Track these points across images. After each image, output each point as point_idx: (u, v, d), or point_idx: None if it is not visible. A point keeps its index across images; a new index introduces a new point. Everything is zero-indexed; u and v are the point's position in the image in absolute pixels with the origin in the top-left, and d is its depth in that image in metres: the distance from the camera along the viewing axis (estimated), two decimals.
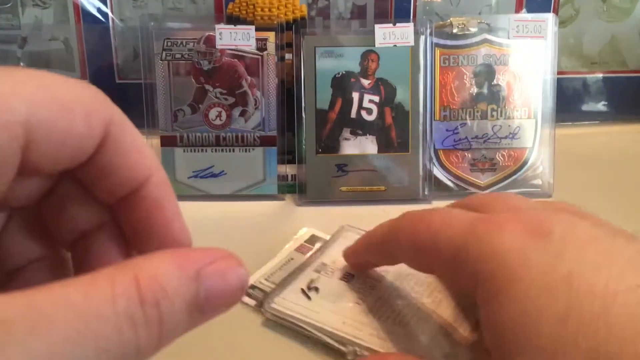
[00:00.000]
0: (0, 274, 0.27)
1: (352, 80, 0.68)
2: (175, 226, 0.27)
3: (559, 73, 0.72)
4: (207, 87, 0.68)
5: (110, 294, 0.21)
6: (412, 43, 0.68)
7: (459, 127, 0.69)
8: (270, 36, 0.68)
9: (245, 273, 0.24)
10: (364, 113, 0.68)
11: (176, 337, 0.22)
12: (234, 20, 0.72)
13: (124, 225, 0.27)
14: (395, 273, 0.44)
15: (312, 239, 0.55)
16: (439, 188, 0.68)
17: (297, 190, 0.69)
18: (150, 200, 0.26)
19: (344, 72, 0.68)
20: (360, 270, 0.46)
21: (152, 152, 0.26)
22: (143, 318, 0.21)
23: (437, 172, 0.69)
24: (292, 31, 0.69)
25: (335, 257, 0.48)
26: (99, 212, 0.27)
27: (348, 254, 0.46)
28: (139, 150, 0.26)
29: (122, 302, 0.21)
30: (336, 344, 0.39)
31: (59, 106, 0.23)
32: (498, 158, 0.69)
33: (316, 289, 0.44)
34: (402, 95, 0.68)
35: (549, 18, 0.68)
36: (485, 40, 0.68)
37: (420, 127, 0.68)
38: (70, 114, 0.23)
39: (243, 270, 0.24)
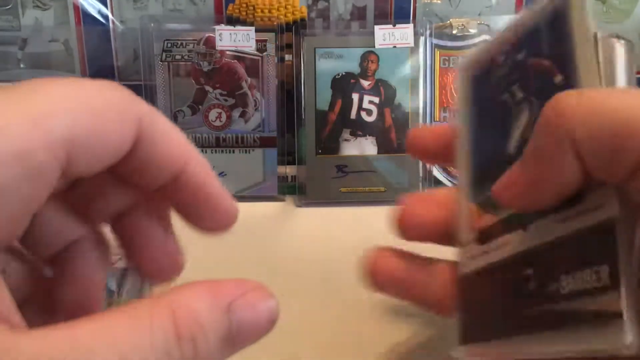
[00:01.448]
0: (45, 257, 0.27)
1: (352, 81, 0.68)
2: (221, 204, 0.28)
3: None
4: (207, 88, 0.69)
5: (148, 328, 0.21)
6: (411, 44, 0.68)
7: None
8: (270, 37, 0.68)
9: (275, 304, 0.25)
10: (363, 114, 0.68)
11: None
12: (234, 21, 0.72)
13: (174, 205, 0.28)
14: None
15: None
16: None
17: (297, 191, 0.69)
18: (192, 184, 0.27)
19: (343, 73, 0.68)
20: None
21: (185, 139, 0.27)
22: (179, 353, 0.21)
23: (437, 173, 0.69)
24: (292, 32, 0.69)
25: None
26: (135, 193, 0.28)
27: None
28: (171, 141, 0.26)
29: (159, 336, 0.21)
30: None
31: (95, 117, 0.23)
32: None
33: None
34: (402, 97, 0.68)
35: None
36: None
37: None
38: (106, 121, 0.24)
39: (274, 301, 0.25)
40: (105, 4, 0.77)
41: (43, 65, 0.78)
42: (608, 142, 0.26)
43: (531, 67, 0.33)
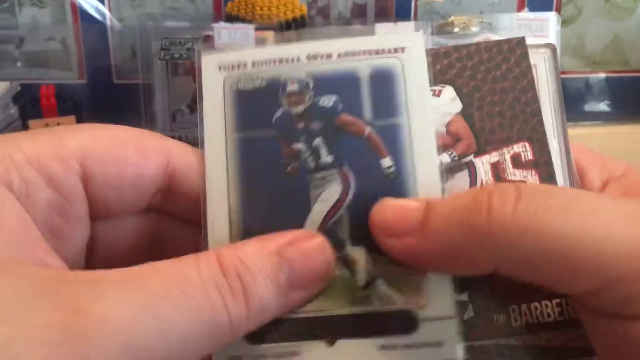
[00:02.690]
0: None
1: None
2: None
3: (561, 73, 0.72)
4: None
5: (194, 264, 0.23)
6: None
7: None
8: (270, 35, 0.68)
9: (329, 250, 0.26)
10: None
11: (269, 313, 0.24)
12: (233, 19, 0.71)
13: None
14: None
15: None
16: None
17: None
18: None
19: None
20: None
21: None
22: (227, 285, 0.22)
23: None
24: (291, 30, 0.69)
25: None
26: None
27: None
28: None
29: (205, 270, 0.22)
30: None
31: (112, 141, 0.26)
32: None
33: None
34: None
35: (551, 17, 0.67)
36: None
37: None
38: (123, 146, 0.26)
39: (322, 239, 0.26)
40: (102, 2, 0.76)
41: (40, 64, 0.78)
42: (540, 274, 0.24)
43: (345, 127, 0.29)
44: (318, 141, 0.29)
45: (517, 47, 0.31)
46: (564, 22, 0.81)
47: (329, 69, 0.29)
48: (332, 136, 0.28)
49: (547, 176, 0.30)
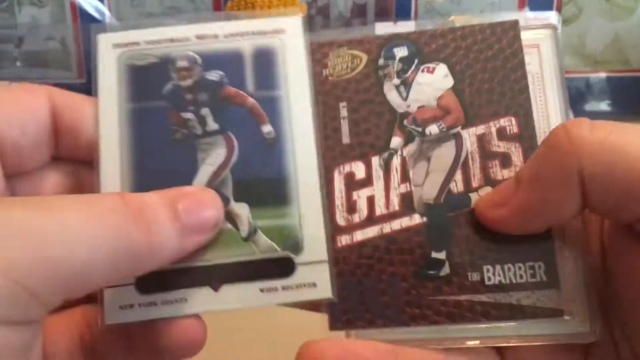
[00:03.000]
0: None
1: None
2: None
3: None
4: None
5: (99, 196, 0.27)
6: None
7: None
8: None
9: (214, 194, 0.29)
10: None
11: (168, 252, 0.26)
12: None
13: None
14: None
15: None
16: None
17: None
18: None
19: None
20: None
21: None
22: (130, 213, 0.25)
23: None
24: None
25: None
26: None
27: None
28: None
29: (109, 200, 0.25)
30: None
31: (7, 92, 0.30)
32: None
33: None
34: None
35: (552, 17, 0.67)
36: None
37: None
38: (8, 90, 0.30)
39: (213, 192, 0.29)
40: (102, 1, 0.76)
41: (40, 64, 0.77)
42: (618, 186, 0.26)
43: (229, 99, 0.32)
44: (205, 111, 0.32)
45: (509, 29, 0.34)
46: (565, 22, 0.81)
47: (215, 47, 0.32)
48: (218, 106, 0.32)
49: (530, 148, 0.32)
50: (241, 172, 0.31)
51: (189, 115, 0.32)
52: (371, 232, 0.31)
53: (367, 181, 0.32)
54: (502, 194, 0.30)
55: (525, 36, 0.34)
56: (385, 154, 0.32)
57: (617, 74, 0.84)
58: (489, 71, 0.33)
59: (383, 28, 0.69)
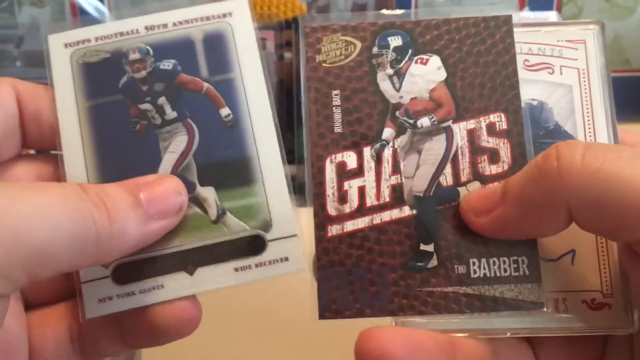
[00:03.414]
0: None
1: None
2: None
3: None
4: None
5: (58, 184, 0.26)
6: None
7: None
8: (270, 35, 0.68)
9: (175, 179, 0.30)
10: None
11: (131, 237, 0.27)
12: None
13: None
14: None
15: None
16: None
17: (297, 190, 0.68)
18: None
19: None
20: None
21: None
22: (90, 200, 0.25)
23: None
24: (291, 30, 0.68)
25: None
26: None
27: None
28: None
29: (69, 187, 0.25)
30: None
31: None
32: None
33: None
34: None
35: (552, 16, 0.67)
36: None
37: None
38: None
39: (174, 177, 0.30)
40: (102, 1, 0.76)
41: (39, 63, 0.77)
42: (607, 216, 0.26)
43: (184, 86, 0.32)
44: (162, 100, 0.32)
45: (503, 24, 0.33)
46: None
47: (166, 37, 0.32)
48: (174, 95, 0.32)
49: (518, 145, 0.32)
50: (204, 156, 0.31)
51: (146, 106, 0.32)
52: (362, 222, 0.31)
53: (359, 171, 0.32)
54: (486, 202, 0.30)
55: (572, 31, 0.34)
56: (377, 145, 0.32)
57: (617, 74, 0.84)
58: (481, 65, 0.33)
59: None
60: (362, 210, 0.32)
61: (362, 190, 0.32)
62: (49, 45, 0.33)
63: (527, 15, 0.69)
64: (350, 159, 0.32)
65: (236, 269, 0.30)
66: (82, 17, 0.67)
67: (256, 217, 0.31)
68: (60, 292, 0.31)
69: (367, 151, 0.32)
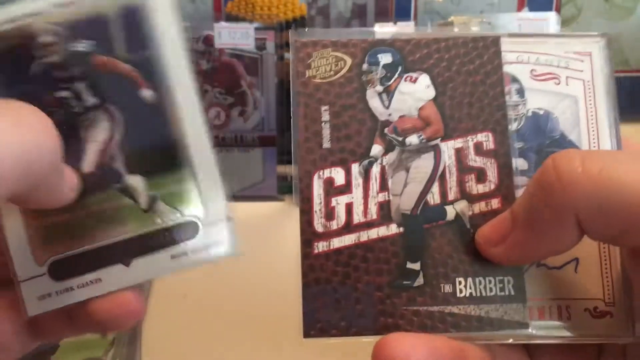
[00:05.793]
0: None
1: None
2: None
3: None
4: (206, 87, 0.68)
5: None
6: None
7: None
8: (270, 35, 0.68)
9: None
10: None
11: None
12: (233, 19, 0.71)
13: None
14: None
15: None
16: None
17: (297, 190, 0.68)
18: None
19: None
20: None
21: None
22: None
23: None
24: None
25: None
26: None
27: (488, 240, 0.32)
28: None
29: None
30: None
31: None
32: None
33: None
34: None
35: (551, 17, 0.67)
36: None
37: None
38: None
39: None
40: None
41: None
42: (616, 219, 0.26)
43: (101, 68, 0.30)
44: (79, 86, 0.30)
45: (491, 45, 0.34)
46: (564, 22, 0.81)
47: (78, 15, 0.30)
48: (92, 78, 0.30)
49: (504, 165, 0.32)
50: (129, 143, 0.30)
51: (63, 93, 0.30)
52: (348, 239, 0.31)
53: (346, 188, 0.32)
54: (499, 231, 0.30)
55: (578, 43, 0.34)
56: (365, 162, 0.32)
57: (616, 74, 0.84)
58: (470, 85, 0.33)
59: (382, 28, 0.69)
60: (349, 227, 0.32)
61: (349, 207, 0.32)
62: None
63: (527, 15, 0.69)
64: (338, 175, 0.32)
65: (173, 256, 0.30)
66: None
67: (188, 203, 0.30)
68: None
69: (355, 168, 0.32)
